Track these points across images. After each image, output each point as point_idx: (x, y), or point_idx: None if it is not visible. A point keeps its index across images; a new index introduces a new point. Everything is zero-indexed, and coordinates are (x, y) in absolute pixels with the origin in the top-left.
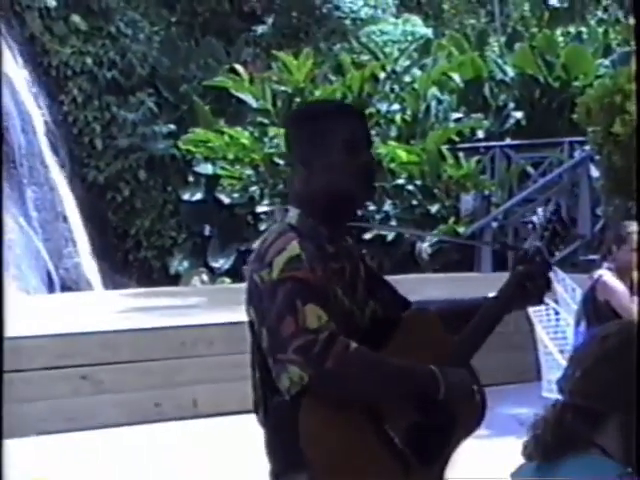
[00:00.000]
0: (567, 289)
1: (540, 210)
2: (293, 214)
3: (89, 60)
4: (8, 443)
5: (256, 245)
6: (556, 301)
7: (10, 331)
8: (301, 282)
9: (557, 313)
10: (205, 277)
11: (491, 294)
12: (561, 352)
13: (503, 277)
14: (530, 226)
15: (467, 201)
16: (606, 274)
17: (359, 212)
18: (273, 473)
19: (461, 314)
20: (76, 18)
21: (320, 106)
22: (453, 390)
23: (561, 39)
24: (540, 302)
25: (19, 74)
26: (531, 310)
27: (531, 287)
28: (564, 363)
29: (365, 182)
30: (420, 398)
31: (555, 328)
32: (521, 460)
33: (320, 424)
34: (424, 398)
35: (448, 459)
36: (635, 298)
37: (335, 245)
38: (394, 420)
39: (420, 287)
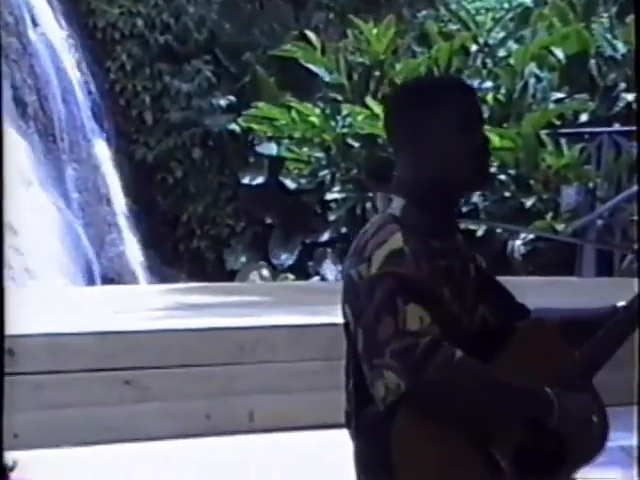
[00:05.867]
0: None
1: None
2: (397, 204)
3: (140, 22)
4: (40, 454)
5: (355, 239)
6: None
7: (44, 327)
8: (403, 278)
9: None
10: (265, 272)
11: (620, 303)
12: None
13: (609, 283)
14: None
15: (569, 195)
16: None
17: None
18: None
19: (584, 325)
20: None
21: (429, 82)
22: (568, 419)
23: None
24: None
25: (61, 36)
26: None
27: None
28: None
29: (482, 166)
30: (531, 421)
31: None
32: None
33: (416, 439)
34: (535, 421)
35: None
36: None
37: (443, 241)
38: (501, 441)
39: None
